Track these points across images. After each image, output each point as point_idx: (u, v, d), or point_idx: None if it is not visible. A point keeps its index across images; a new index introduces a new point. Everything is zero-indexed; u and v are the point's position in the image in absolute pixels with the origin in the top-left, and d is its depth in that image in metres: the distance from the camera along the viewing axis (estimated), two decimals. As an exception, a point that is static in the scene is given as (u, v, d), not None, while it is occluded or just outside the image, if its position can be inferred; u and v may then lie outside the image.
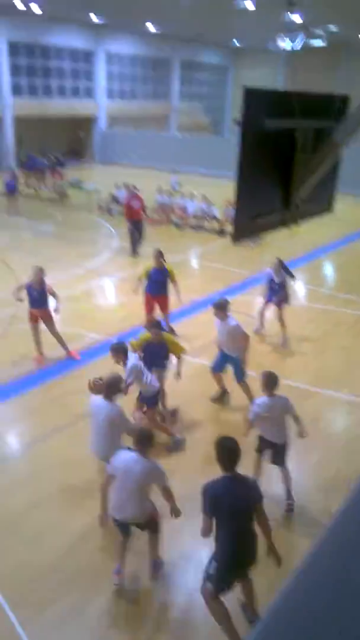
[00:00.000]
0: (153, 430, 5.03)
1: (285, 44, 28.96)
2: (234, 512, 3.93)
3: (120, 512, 4.56)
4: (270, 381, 5.37)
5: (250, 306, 10.91)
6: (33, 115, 31.55)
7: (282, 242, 15.82)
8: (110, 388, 5.29)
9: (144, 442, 4.49)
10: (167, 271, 9.17)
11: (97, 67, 35.33)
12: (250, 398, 7.13)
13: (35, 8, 26.43)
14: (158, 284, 9.20)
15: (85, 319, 10.45)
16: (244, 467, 6.31)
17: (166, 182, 21.96)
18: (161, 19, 30.42)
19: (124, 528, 4.71)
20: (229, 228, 16.33)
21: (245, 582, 4.33)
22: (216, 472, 4.08)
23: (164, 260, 9.21)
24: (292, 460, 6.47)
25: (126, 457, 4.53)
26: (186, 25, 31.19)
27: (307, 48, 31.00)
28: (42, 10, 26.89)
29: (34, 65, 32.12)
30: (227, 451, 3.99)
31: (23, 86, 31.82)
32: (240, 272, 13.30)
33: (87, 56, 34.80)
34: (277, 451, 5.65)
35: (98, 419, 5.29)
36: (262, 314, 9.86)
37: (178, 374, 6.95)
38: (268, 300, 9.66)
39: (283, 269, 9.55)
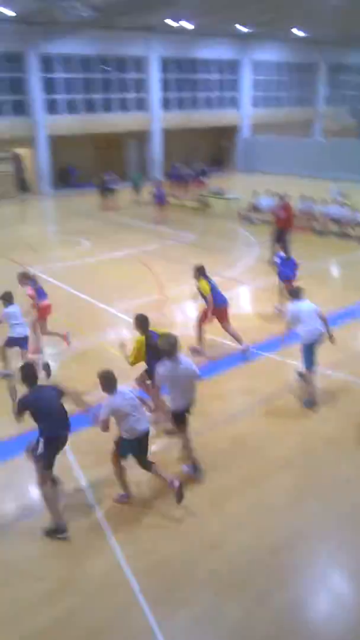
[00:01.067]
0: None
1: None
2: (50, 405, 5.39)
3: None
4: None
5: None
6: (179, 127, 32.73)
7: None
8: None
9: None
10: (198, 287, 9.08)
11: (242, 76, 35.72)
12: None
13: (186, 24, 27.50)
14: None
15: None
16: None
17: (314, 189, 21.37)
18: (308, 23, 29.93)
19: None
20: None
21: None
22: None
23: (202, 276, 9.01)
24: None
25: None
26: (334, 27, 30.33)
27: None
28: (193, 26, 27.88)
29: (182, 79, 33.38)
30: (29, 374, 5.45)
31: (172, 100, 33.20)
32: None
33: (233, 66, 35.35)
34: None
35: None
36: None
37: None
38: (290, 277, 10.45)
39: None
